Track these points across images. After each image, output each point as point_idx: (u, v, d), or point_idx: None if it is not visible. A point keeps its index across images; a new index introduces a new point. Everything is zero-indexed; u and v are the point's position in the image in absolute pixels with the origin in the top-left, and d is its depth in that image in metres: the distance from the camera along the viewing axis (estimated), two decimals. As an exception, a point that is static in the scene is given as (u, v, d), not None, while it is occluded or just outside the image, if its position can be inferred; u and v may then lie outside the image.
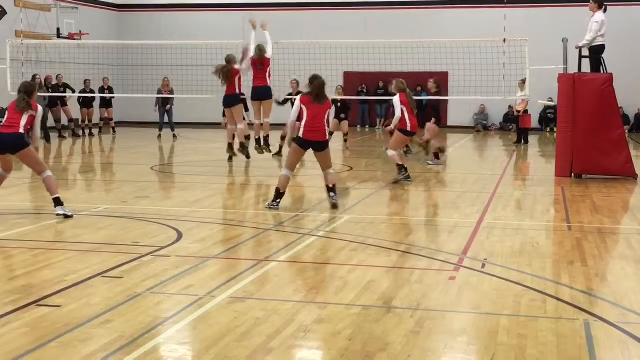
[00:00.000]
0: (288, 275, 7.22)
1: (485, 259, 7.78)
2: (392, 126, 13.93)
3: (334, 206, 10.72)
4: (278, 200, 10.73)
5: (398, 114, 13.43)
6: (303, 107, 10.81)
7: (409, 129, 13.49)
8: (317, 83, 10.81)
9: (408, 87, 13.75)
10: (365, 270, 7.32)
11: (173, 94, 23.82)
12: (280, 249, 8.28)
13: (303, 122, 10.79)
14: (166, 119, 24.13)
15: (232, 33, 29.34)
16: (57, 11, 27.22)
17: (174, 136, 23.85)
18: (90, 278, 6.87)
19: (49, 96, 23.00)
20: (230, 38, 28.07)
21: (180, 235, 8.84)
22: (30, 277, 6.90)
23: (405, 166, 13.69)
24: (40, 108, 10.11)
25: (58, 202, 10.00)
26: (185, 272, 7.16)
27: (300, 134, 10.77)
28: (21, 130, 9.80)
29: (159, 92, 23.69)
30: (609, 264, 7.93)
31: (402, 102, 13.44)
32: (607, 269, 7.71)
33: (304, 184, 13.72)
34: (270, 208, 10.68)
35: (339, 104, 19.56)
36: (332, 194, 10.81)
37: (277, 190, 10.74)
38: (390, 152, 13.67)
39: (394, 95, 13.76)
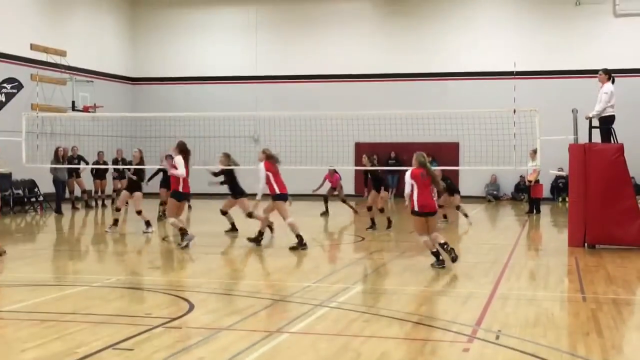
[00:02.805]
0: (300, 346, 7.15)
1: (499, 330, 7.69)
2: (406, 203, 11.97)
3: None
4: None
5: (407, 190, 11.84)
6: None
7: (416, 208, 11.75)
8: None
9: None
10: (378, 341, 7.25)
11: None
12: (292, 320, 8.22)
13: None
14: None
15: (244, 105, 29.88)
16: (72, 85, 27.69)
17: (189, 207, 23.91)
18: (101, 350, 6.82)
19: (65, 168, 23.26)
20: (243, 110, 28.59)
21: (191, 307, 8.81)
22: (42, 349, 6.86)
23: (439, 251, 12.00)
24: None
25: None
26: (196, 343, 7.11)
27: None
28: None
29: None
30: (625, 335, 7.83)
31: (412, 176, 11.78)
32: (624, 340, 7.61)
33: (314, 255, 13.68)
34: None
35: (369, 175, 18.42)
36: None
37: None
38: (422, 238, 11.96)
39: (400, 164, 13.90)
